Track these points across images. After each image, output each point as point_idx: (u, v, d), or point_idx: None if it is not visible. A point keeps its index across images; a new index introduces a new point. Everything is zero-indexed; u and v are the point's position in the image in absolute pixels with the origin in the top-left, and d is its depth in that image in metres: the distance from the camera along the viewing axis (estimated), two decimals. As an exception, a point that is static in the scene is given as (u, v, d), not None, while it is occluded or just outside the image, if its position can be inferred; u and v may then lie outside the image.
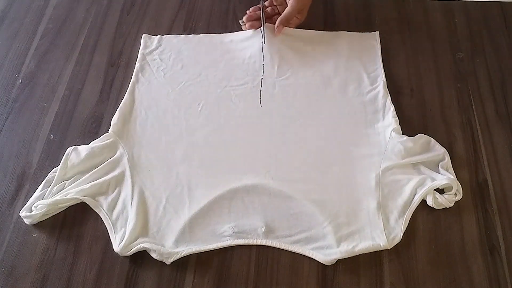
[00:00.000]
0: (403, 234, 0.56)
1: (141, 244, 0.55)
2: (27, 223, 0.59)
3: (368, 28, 0.76)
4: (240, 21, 0.75)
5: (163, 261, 0.55)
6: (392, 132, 0.63)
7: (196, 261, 0.56)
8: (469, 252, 0.56)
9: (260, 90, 0.69)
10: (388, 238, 0.55)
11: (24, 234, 0.59)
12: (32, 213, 0.58)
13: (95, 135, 0.66)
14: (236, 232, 0.57)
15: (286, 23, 0.72)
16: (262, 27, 0.72)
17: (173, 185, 0.61)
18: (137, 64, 0.73)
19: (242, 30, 0.75)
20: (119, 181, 0.61)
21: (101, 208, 0.59)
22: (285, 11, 0.72)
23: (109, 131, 0.65)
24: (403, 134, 0.63)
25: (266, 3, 0.75)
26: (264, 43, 0.72)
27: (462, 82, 0.70)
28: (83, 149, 0.63)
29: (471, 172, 0.62)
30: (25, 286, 0.55)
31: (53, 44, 0.77)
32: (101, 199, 0.60)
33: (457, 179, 0.59)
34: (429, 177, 0.59)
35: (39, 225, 0.59)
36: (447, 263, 0.55)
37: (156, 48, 0.75)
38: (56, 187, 0.60)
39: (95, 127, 0.67)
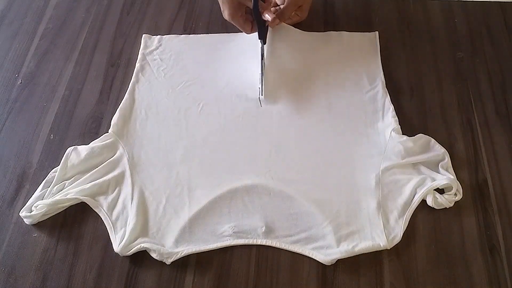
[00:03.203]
0: (403, 234, 0.56)
1: (141, 244, 0.55)
2: (27, 223, 0.59)
3: (368, 28, 0.76)
4: None
5: (163, 261, 0.55)
6: (392, 132, 0.63)
7: (196, 261, 0.56)
8: (469, 252, 0.56)
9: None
10: (388, 238, 0.55)
11: (24, 234, 0.59)
12: (32, 213, 0.58)
13: (95, 135, 0.66)
14: (236, 232, 0.57)
15: (282, 17, 0.72)
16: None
17: (173, 185, 0.61)
18: (137, 64, 0.73)
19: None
20: (119, 181, 0.61)
21: (101, 208, 0.59)
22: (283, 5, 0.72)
23: (109, 131, 0.65)
24: (403, 134, 0.63)
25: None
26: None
27: (462, 82, 0.70)
28: (83, 149, 0.63)
29: (471, 172, 0.62)
30: (25, 286, 0.55)
31: (53, 44, 0.77)
32: (101, 199, 0.60)
33: (457, 179, 0.59)
34: (429, 177, 0.59)
35: (39, 225, 0.59)
36: (447, 263, 0.55)
37: (156, 48, 0.75)
38: (56, 187, 0.60)
39: (95, 127, 0.67)
